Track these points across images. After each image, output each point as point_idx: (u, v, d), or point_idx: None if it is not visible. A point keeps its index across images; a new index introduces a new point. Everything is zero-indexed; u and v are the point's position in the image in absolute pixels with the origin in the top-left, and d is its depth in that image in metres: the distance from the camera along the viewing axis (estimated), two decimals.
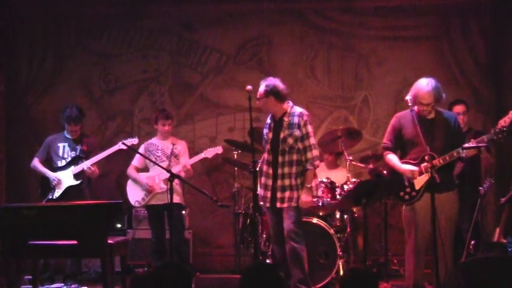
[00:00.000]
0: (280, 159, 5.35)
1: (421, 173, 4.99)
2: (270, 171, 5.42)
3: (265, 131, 5.56)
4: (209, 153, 6.47)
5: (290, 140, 5.30)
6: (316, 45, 7.56)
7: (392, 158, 5.18)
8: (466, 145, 4.92)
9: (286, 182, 5.32)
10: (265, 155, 5.50)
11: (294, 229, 5.28)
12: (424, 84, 5.03)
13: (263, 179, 5.46)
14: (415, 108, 5.06)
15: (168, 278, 3.22)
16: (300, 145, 5.30)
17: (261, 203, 5.49)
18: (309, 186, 5.29)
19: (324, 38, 7.56)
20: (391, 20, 7.52)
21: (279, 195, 5.33)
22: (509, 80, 7.10)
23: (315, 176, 5.41)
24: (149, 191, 6.35)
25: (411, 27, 7.50)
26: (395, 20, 7.51)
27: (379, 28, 7.51)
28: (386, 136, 5.29)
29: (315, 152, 5.32)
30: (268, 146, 5.47)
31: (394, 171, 5.17)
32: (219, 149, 6.50)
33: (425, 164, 4.95)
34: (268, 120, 5.55)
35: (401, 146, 5.21)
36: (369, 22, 7.52)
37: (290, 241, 5.28)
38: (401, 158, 5.19)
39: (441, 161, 4.89)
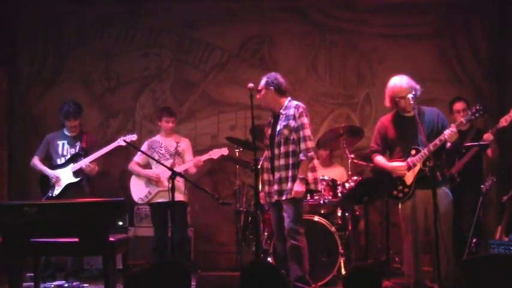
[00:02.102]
0: (276, 151, 5.35)
1: (409, 168, 5.02)
2: (270, 166, 5.43)
3: (266, 128, 5.59)
4: (215, 154, 6.48)
5: (285, 131, 5.30)
6: (318, 43, 7.56)
7: (380, 159, 5.27)
8: (450, 132, 4.94)
9: (283, 173, 5.30)
10: (266, 152, 5.51)
11: (293, 227, 5.26)
12: (396, 79, 5.15)
13: (265, 176, 5.47)
14: (401, 102, 5.09)
15: (165, 275, 3.22)
16: (294, 136, 5.28)
17: (267, 199, 5.47)
18: (301, 177, 5.24)
19: (326, 35, 7.55)
20: (393, 18, 7.51)
21: (277, 187, 5.32)
22: (511, 77, 7.09)
23: (312, 169, 5.36)
24: (156, 181, 6.37)
25: (413, 24, 7.49)
26: (398, 17, 7.51)
27: (381, 26, 7.50)
28: (372, 140, 5.39)
29: (310, 144, 5.29)
30: (267, 142, 5.50)
31: (381, 173, 5.21)
32: (224, 151, 6.50)
33: (412, 158, 5.00)
34: (269, 118, 5.58)
35: (388, 147, 5.27)
36: (371, 20, 7.52)
37: (290, 239, 5.28)
38: (389, 158, 5.26)
39: (426, 151, 4.91)
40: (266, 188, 5.46)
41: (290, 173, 5.28)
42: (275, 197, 5.35)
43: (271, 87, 5.39)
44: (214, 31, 7.62)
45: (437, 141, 4.95)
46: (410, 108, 5.07)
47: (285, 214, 5.30)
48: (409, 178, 5.06)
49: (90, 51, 7.67)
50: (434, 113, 5.19)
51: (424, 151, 4.94)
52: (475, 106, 5.06)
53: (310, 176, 5.33)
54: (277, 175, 5.34)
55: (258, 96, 5.44)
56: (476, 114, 5.02)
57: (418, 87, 5.13)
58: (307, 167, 5.29)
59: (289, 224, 5.27)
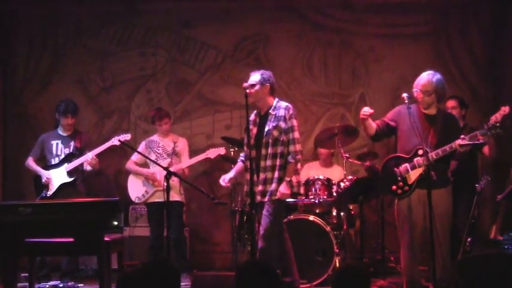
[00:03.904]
0: (263, 151, 5.22)
1: (413, 167, 5.01)
2: (254, 166, 5.20)
3: (250, 127, 5.34)
4: (212, 153, 6.49)
5: (275, 132, 5.18)
6: (314, 43, 7.56)
7: (369, 122, 5.22)
8: (462, 142, 4.92)
9: (269, 174, 5.19)
10: (248, 151, 5.25)
11: (272, 229, 5.10)
12: (428, 73, 5.14)
13: (247, 175, 5.26)
14: (413, 104, 5.09)
15: (154, 275, 3.21)
16: (284, 137, 5.18)
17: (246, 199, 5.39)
18: (288, 179, 5.14)
19: (321, 35, 7.56)
20: (389, 17, 7.52)
21: (261, 188, 5.19)
22: (506, 77, 7.11)
23: (296, 172, 5.24)
24: (153, 180, 6.37)
25: (409, 24, 7.51)
26: (393, 17, 7.52)
27: (376, 25, 7.51)
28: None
29: (298, 146, 5.21)
30: (252, 141, 5.27)
31: (385, 166, 5.19)
32: (221, 150, 6.51)
33: (418, 158, 4.99)
34: (253, 116, 5.40)
35: (396, 139, 5.26)
36: (366, 19, 7.53)
37: (265, 240, 5.09)
38: (395, 151, 5.24)
39: (434, 155, 4.90)
40: (246, 188, 5.29)
41: (276, 175, 5.17)
42: (258, 198, 5.20)
43: (267, 84, 5.27)
44: (210, 30, 7.61)
45: (447, 147, 4.94)
46: (428, 103, 5.08)
47: (265, 214, 5.15)
48: (412, 177, 5.05)
49: (85, 50, 7.66)
50: (453, 118, 5.22)
51: (432, 154, 4.91)
52: (491, 122, 5.01)
53: (293, 179, 5.21)
54: (262, 176, 5.21)
55: (251, 91, 5.24)
56: (493, 130, 4.96)
57: (445, 91, 5.15)
58: (294, 170, 5.20)
59: (267, 225, 5.11)
